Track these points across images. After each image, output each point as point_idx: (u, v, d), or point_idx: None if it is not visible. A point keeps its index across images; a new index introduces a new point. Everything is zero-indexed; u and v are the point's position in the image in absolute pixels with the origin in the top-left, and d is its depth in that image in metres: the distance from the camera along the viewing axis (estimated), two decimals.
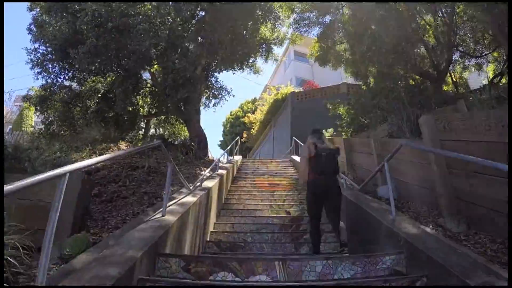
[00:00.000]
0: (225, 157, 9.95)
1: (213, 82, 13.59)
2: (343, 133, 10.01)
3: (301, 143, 10.50)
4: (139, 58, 9.28)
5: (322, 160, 3.64)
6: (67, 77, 10.97)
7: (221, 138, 33.96)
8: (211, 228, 5.09)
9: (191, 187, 4.39)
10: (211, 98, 14.10)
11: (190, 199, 4.00)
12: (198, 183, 4.97)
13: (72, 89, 11.30)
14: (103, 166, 7.79)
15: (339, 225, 3.80)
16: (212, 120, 68.25)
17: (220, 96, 13.81)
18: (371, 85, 9.12)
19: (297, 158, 11.33)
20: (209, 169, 6.21)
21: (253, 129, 22.12)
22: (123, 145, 10.42)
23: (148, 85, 12.08)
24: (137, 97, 11.35)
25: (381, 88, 8.16)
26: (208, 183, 5.28)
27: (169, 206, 3.64)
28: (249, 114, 24.25)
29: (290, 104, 16.13)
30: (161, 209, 3.30)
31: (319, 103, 15.60)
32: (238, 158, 11.43)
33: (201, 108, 14.73)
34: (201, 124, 12.22)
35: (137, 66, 9.85)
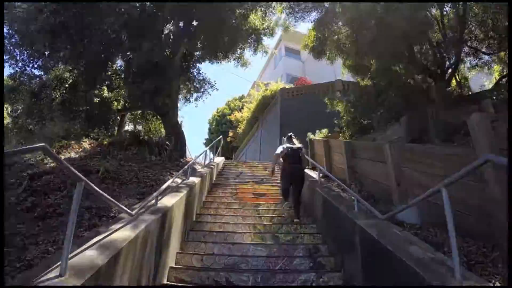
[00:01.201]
0: (205, 158, 8.51)
1: (195, 74, 12.14)
2: (341, 134, 8.72)
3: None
4: (105, 40, 7.77)
5: (291, 154, 5.46)
6: (36, 66, 9.60)
7: (207, 136, 32.48)
8: (171, 263, 3.66)
9: (133, 212, 2.95)
10: (192, 92, 12.62)
11: (125, 234, 2.55)
12: (153, 201, 3.53)
13: (42, 78, 10.06)
14: (51, 169, 6.25)
15: (300, 202, 5.36)
16: (198, 117, 66.38)
17: (202, 90, 12.35)
18: (377, 79, 7.81)
19: None
20: (173, 178, 4.75)
21: (239, 127, 20.69)
22: (86, 143, 8.89)
23: (123, 75, 10.53)
24: (103, 87, 9.78)
25: (389, 82, 6.87)
26: (167, 200, 3.84)
27: (85, 249, 2.21)
28: (236, 112, 22.83)
29: (279, 101, 14.74)
30: (70, 259, 1.87)
31: (311, 100, 14.34)
32: (219, 160, 10.00)
33: (182, 103, 13.29)
34: (185, 121, 10.75)
35: (104, 50, 8.33)
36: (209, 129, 31.82)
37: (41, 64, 9.41)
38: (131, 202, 4.70)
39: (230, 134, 22.56)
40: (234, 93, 54.58)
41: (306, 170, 6.22)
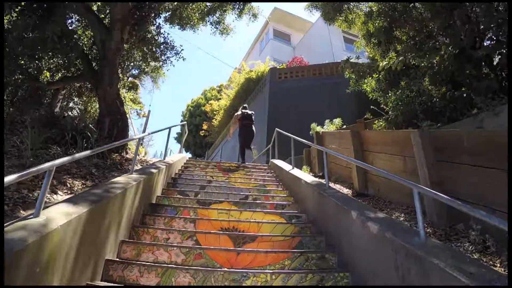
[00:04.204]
0: (135, 159, 4.92)
1: (154, 33, 8.50)
2: (378, 123, 5.37)
3: (290, 135, 6.21)
4: None
5: (245, 116, 7.52)
6: None
7: (178, 130, 28.56)
8: None
9: None
10: (149, 59, 8.96)
11: None
12: None
13: None
14: None
15: (248, 153, 7.71)
16: (173, 110, 61.61)
17: (163, 58, 8.72)
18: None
19: (282, 164, 6.53)
20: None
21: (215, 119, 17.02)
22: None
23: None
24: None
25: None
26: None
27: None
28: (212, 101, 19.18)
29: (269, 84, 11.23)
30: None
31: (311, 85, 10.99)
32: (178, 158, 6.37)
33: (135, 72, 9.62)
34: (154, 113, 6.95)
35: None
36: (181, 121, 27.96)
37: None
38: None
39: (204, 127, 18.88)
40: (213, 82, 50.53)
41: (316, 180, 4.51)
